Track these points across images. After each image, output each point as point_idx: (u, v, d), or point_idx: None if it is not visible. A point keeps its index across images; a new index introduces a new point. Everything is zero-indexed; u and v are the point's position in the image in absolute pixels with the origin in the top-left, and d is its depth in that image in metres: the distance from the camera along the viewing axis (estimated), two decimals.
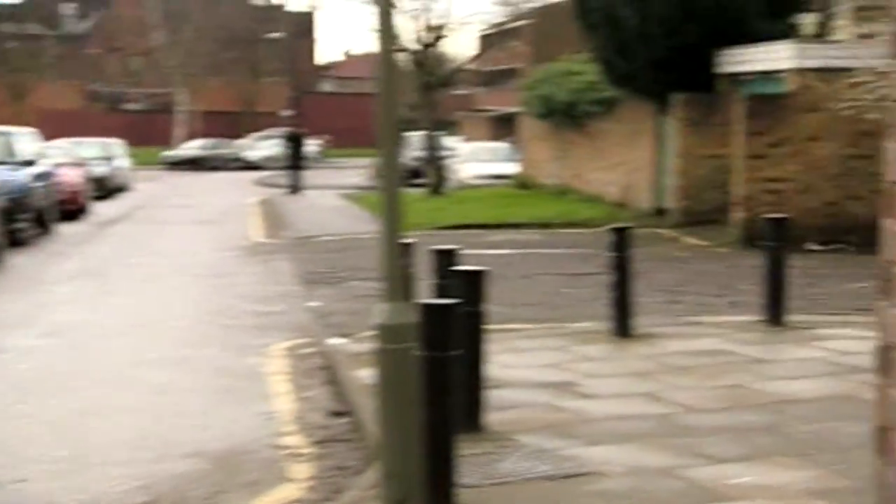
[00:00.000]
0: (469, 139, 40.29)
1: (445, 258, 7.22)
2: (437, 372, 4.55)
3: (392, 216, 4.13)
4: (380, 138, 4.26)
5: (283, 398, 7.47)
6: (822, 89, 15.08)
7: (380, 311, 4.20)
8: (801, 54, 15.52)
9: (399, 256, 4.21)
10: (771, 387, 6.82)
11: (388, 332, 4.14)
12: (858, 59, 13.48)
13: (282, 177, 33.10)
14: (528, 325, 9.43)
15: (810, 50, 15.59)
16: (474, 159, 30.54)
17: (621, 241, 8.54)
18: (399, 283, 4.15)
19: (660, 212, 18.89)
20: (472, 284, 6.03)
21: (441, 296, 6.76)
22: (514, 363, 7.70)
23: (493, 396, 6.27)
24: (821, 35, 18.57)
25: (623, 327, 8.53)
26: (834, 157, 15.36)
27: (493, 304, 9.07)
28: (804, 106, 15.33)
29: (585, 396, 6.75)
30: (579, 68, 22.68)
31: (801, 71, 15.44)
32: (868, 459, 5.21)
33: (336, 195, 28.48)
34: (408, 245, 7.93)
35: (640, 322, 8.67)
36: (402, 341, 4.14)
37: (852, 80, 13.55)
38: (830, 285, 11.63)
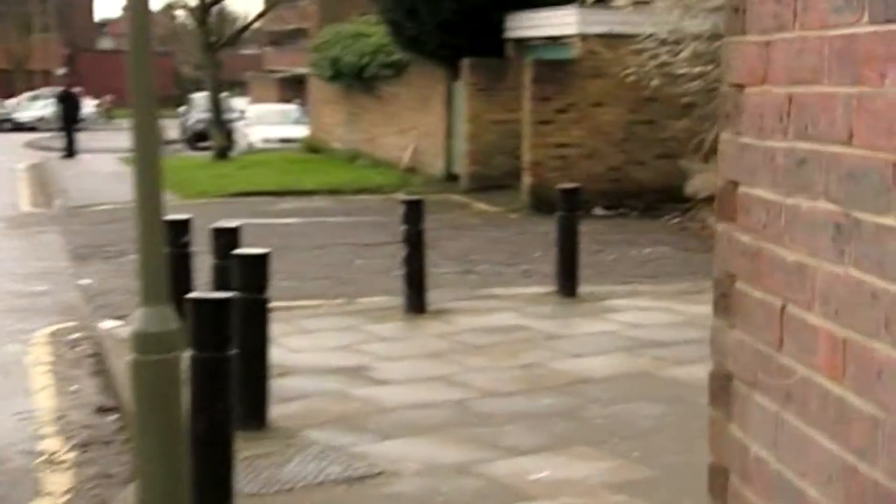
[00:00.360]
0: (257, 101, 39.10)
1: (226, 237, 6.67)
2: (211, 376, 4.05)
3: (149, 205, 3.55)
4: (134, 108, 3.66)
5: (43, 393, 6.73)
6: (606, 55, 15.24)
7: (136, 317, 3.63)
8: (585, 20, 15.62)
9: (161, 250, 3.63)
10: (567, 365, 6.65)
11: (146, 342, 3.58)
12: (639, 26, 13.66)
13: (55, 139, 31.03)
14: (318, 301, 8.98)
15: (594, 16, 15.71)
16: (262, 122, 29.57)
17: (413, 213, 8.21)
18: (159, 284, 3.59)
19: (451, 177, 18.76)
20: (255, 268, 5.52)
21: (221, 280, 6.22)
22: (301, 346, 7.25)
23: (278, 386, 5.81)
24: (604, 0, 18.82)
25: (416, 303, 8.22)
26: (618, 122, 15.61)
27: (281, 278, 8.54)
28: (589, 72, 15.47)
29: (378, 382, 6.37)
30: (369, 30, 22.18)
31: (586, 37, 15.56)
32: (666, 445, 5.10)
33: (115, 159, 26.89)
34: (184, 223, 7.35)
35: (434, 296, 8.38)
36: (163, 351, 3.59)
37: (635, 47, 13.72)
38: (617, 251, 11.75)
